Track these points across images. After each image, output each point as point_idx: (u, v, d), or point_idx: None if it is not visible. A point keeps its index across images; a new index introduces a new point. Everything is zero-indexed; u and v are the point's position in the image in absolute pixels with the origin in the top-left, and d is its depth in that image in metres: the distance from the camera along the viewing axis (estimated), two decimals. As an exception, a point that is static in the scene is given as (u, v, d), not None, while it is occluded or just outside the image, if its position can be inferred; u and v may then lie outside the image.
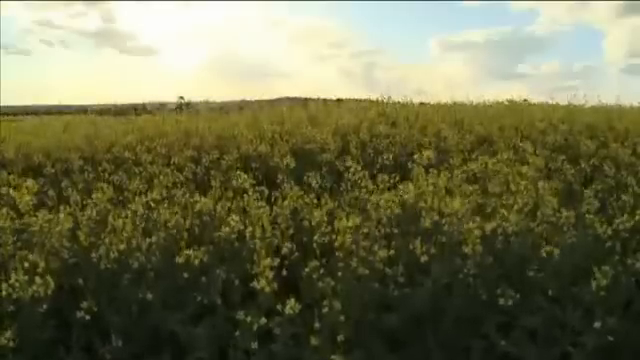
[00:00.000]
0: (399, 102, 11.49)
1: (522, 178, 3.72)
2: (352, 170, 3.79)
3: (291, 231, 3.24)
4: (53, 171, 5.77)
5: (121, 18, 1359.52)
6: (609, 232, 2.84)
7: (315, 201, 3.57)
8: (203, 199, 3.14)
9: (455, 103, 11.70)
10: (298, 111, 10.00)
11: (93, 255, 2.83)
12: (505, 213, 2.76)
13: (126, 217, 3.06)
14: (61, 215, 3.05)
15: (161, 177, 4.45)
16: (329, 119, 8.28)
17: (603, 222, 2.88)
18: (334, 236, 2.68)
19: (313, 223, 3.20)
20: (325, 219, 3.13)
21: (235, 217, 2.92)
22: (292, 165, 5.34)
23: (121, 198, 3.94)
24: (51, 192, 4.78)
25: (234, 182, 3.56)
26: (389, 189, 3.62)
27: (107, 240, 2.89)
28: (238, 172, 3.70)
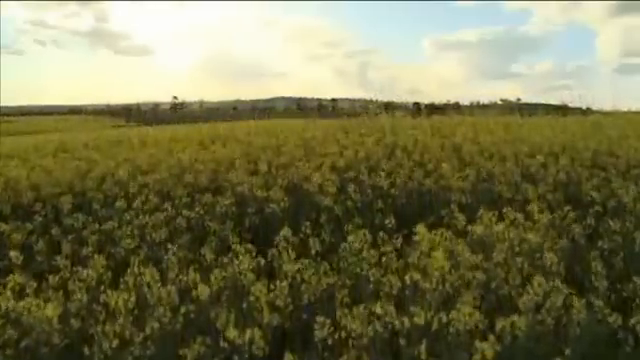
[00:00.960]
0: (397, 111, 11.29)
1: (527, 243, 3.67)
2: (351, 239, 3.66)
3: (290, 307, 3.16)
4: (43, 213, 5.69)
5: (115, 18, 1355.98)
6: (619, 322, 2.77)
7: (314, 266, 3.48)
8: (200, 286, 3.01)
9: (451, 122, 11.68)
10: (294, 135, 9.89)
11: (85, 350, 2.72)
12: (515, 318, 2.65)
13: (117, 301, 2.95)
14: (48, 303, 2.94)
15: (153, 234, 4.38)
16: (327, 146, 8.21)
17: (613, 311, 2.81)
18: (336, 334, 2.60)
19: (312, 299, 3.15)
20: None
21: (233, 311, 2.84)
22: (287, 204, 5.32)
23: (112, 265, 3.84)
24: (41, 244, 4.71)
25: (231, 259, 3.45)
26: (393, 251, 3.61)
27: (99, 329, 2.79)
28: (234, 246, 3.58)
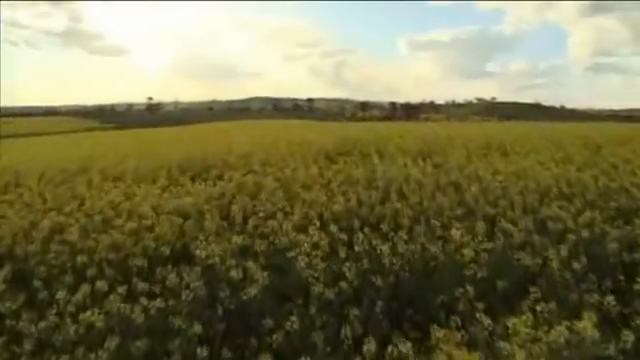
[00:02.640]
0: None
1: None
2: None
3: None
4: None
5: (88, 18, 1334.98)
6: None
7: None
8: None
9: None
10: (273, 168, 8.94)
11: None
12: None
13: None
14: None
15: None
16: (311, 188, 7.30)
17: None
18: None
19: None
20: None
21: None
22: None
23: None
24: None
25: None
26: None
27: None
28: None
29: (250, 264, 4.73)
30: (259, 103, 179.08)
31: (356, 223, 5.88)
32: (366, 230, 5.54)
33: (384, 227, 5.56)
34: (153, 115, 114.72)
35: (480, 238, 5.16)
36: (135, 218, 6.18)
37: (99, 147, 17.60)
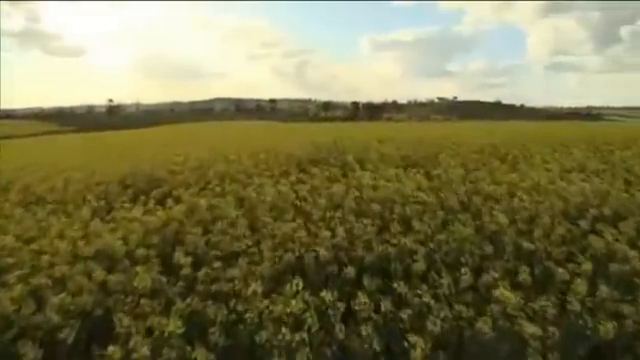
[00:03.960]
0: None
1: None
2: None
3: None
4: None
5: (46, 18, 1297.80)
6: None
7: None
8: None
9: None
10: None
11: None
12: None
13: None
14: None
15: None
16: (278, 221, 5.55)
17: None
18: None
19: None
20: None
21: None
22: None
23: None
24: None
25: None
26: None
27: None
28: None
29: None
30: (222, 104, 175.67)
31: (350, 271, 4.17)
32: (366, 281, 3.87)
33: (395, 281, 3.84)
34: (113, 117, 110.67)
35: (532, 294, 3.54)
36: (39, 271, 4.30)
37: (34, 156, 15.38)
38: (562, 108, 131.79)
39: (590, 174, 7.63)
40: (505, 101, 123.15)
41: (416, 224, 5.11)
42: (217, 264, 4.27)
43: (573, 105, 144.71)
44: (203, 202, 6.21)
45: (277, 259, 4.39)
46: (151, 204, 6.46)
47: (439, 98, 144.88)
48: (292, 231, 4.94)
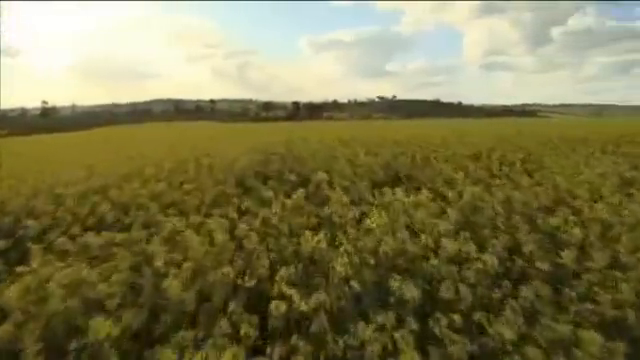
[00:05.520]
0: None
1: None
2: None
3: None
4: None
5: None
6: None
7: None
8: None
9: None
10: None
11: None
12: None
13: None
14: None
15: None
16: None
17: None
18: None
19: None
20: None
21: None
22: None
23: None
24: None
25: None
26: None
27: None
28: None
29: None
30: (161, 105, 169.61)
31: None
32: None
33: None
34: (47, 120, 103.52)
35: None
36: None
37: None
38: (497, 106, 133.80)
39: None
40: (444, 99, 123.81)
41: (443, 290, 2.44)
42: None
43: (508, 103, 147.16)
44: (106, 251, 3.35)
45: None
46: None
47: (379, 97, 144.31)
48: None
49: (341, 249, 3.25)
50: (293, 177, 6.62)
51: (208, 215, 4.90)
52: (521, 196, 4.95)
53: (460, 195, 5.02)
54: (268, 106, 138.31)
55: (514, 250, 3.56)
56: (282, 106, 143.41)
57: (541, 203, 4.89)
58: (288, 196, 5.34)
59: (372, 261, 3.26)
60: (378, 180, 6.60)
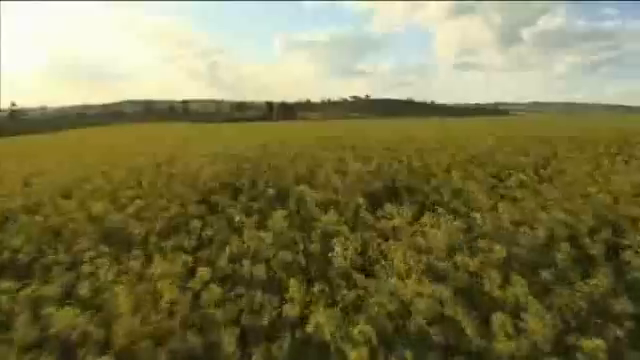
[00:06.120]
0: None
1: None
2: None
3: None
4: None
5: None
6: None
7: None
8: None
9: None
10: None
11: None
12: None
13: None
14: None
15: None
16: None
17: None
18: None
19: None
20: None
21: None
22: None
23: None
24: None
25: None
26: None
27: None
28: None
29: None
30: (133, 106, 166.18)
31: None
32: None
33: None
34: (16, 122, 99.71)
35: None
36: None
37: None
38: (470, 104, 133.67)
39: None
40: (417, 99, 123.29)
41: None
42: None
43: (481, 102, 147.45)
44: None
45: None
46: None
47: (352, 97, 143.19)
48: None
49: (355, 331, 2.00)
50: (270, 190, 5.37)
51: (157, 248, 3.64)
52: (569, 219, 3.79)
53: (483, 218, 3.84)
54: (241, 106, 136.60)
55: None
56: (255, 106, 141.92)
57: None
58: (264, 217, 4.13)
59: None
60: (373, 192, 5.40)
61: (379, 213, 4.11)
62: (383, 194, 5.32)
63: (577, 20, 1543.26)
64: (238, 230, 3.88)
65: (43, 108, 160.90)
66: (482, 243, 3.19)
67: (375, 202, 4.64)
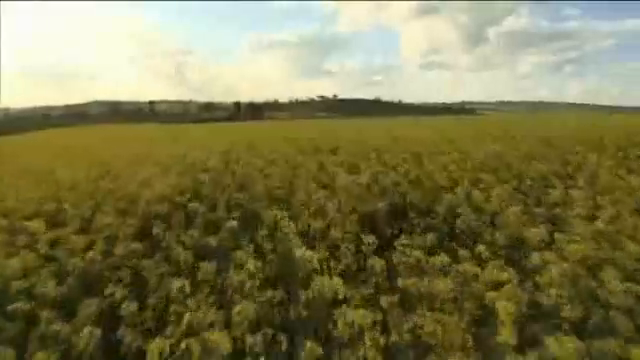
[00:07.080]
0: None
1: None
2: None
3: None
4: None
5: None
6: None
7: None
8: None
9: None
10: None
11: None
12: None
13: None
14: None
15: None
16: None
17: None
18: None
19: None
20: None
21: None
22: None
23: None
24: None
25: None
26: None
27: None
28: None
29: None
30: (99, 107, 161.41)
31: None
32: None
33: None
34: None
35: None
36: None
37: None
38: (437, 103, 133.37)
39: None
40: (384, 98, 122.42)
41: None
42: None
43: (448, 101, 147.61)
44: None
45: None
46: None
47: (319, 97, 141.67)
48: None
49: None
50: (234, 213, 3.94)
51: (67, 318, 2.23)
52: None
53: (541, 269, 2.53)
54: (209, 107, 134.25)
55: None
56: (223, 107, 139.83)
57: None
58: (225, 258, 2.77)
59: None
60: (372, 213, 4.03)
61: (393, 252, 2.77)
62: (385, 218, 3.94)
63: (541, 20, 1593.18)
64: (178, 294, 2.47)
65: (5, 109, 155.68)
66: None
67: (374, 231, 3.30)
